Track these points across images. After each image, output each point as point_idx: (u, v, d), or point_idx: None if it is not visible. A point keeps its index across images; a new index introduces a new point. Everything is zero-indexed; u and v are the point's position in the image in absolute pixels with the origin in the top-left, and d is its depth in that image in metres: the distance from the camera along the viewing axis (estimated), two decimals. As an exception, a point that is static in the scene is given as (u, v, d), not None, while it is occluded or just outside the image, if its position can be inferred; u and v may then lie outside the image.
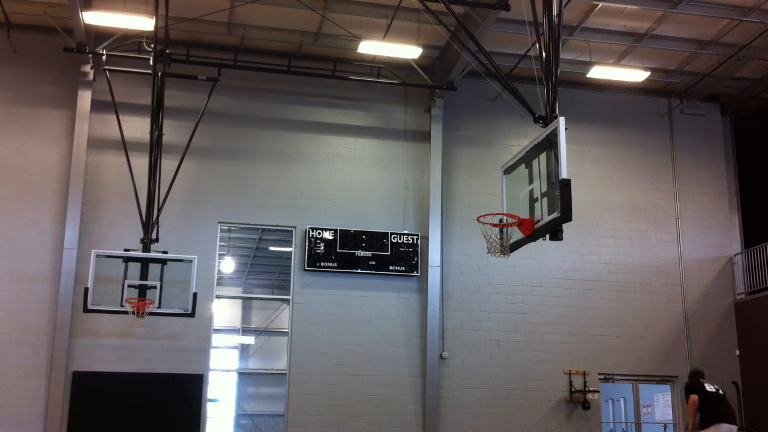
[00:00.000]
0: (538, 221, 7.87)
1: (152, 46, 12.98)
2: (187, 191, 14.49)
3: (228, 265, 23.19)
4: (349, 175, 15.38)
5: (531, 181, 8.21)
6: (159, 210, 13.18)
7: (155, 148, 13.07)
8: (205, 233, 14.52)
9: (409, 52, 14.17)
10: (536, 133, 8.26)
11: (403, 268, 14.95)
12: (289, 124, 15.37)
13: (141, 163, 13.64)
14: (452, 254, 15.33)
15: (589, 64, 15.21)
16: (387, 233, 15.01)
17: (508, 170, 8.86)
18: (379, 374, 14.62)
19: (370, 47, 14.07)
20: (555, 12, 8.55)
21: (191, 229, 14.47)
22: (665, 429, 16.81)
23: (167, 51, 13.17)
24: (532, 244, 8.27)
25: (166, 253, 12.91)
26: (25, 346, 13.46)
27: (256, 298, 25.96)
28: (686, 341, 15.97)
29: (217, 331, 16.38)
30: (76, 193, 13.90)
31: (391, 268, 14.91)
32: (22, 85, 14.46)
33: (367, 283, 14.90)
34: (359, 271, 14.81)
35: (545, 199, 7.80)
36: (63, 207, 13.96)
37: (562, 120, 7.58)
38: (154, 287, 12.48)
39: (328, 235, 14.78)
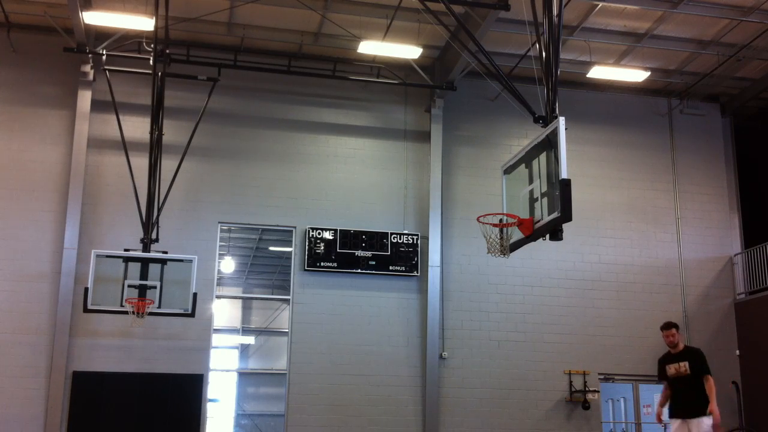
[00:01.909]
0: (538, 221, 7.87)
1: (152, 46, 12.98)
2: (187, 191, 14.49)
3: (228, 265, 23.19)
4: (349, 175, 15.38)
5: (531, 181, 8.22)
6: (159, 210, 13.18)
7: (155, 148, 13.07)
8: (205, 233, 14.52)
9: (409, 52, 14.17)
10: (536, 133, 8.26)
11: (403, 268, 14.94)
12: (289, 124, 15.37)
13: (141, 163, 13.64)
14: (452, 254, 15.33)
15: (589, 64, 15.22)
16: (387, 233, 15.01)
17: (508, 170, 8.86)
18: (379, 374, 14.62)
19: (370, 47, 14.07)
20: (555, 12, 8.55)
21: (191, 229, 14.47)
22: (665, 429, 16.81)
23: (167, 51, 13.18)
24: (532, 244, 8.27)
25: (166, 253, 12.91)
26: (25, 346, 13.46)
27: (256, 298, 25.95)
28: (686, 341, 15.94)
29: (217, 331, 16.39)
30: (76, 193, 13.90)
31: (391, 268, 14.91)
32: (22, 85, 14.46)
33: (367, 283, 14.90)
34: (359, 271, 14.81)
35: (545, 199, 7.81)
36: (63, 207, 13.96)
37: (562, 120, 7.59)
38: (154, 287, 12.47)
39: (328, 235, 14.78)
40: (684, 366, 9.14)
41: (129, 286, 12.37)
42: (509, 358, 15.17)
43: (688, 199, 16.73)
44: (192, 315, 12.71)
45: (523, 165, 8.47)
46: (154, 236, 13.04)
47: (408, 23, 14.13)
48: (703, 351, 9.46)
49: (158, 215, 13.17)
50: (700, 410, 8.89)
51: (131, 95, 14.57)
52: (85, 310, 12.34)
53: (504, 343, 15.22)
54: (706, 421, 8.85)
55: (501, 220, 8.44)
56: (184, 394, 13.88)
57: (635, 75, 15.39)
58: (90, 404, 13.52)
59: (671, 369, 9.27)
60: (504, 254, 8.29)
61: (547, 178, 7.83)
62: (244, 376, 24.99)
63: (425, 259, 15.01)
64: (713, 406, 8.82)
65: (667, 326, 9.42)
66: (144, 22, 12.93)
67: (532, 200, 8.07)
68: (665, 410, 9.55)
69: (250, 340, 25.50)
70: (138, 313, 12.20)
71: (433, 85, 15.35)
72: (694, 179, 16.88)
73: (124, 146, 13.56)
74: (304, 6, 13.25)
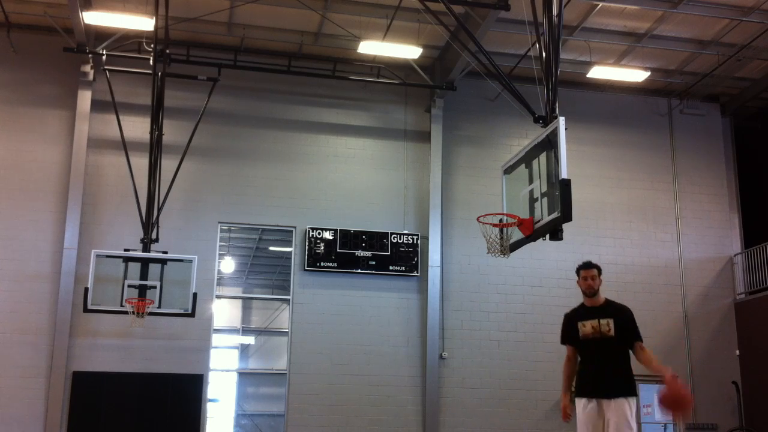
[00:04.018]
0: (538, 221, 7.89)
1: (152, 46, 12.99)
2: (187, 191, 14.49)
3: (228, 265, 23.17)
4: (349, 175, 15.37)
5: (531, 181, 8.23)
6: (159, 210, 13.19)
7: (155, 148, 13.08)
8: (205, 233, 14.52)
9: (409, 52, 14.17)
10: (536, 133, 8.27)
11: (403, 268, 14.94)
12: (289, 124, 15.37)
13: (141, 163, 13.64)
14: (452, 254, 15.33)
15: (589, 64, 15.21)
16: (387, 233, 15.01)
17: (508, 170, 8.88)
18: (379, 374, 14.62)
19: (370, 47, 14.07)
20: (555, 12, 8.57)
21: (191, 229, 14.47)
22: (665, 429, 16.80)
23: (167, 51, 13.17)
24: (532, 244, 8.29)
25: (166, 253, 12.92)
26: (25, 346, 13.46)
27: (256, 298, 25.93)
28: (686, 341, 15.96)
29: (217, 331, 16.39)
30: (76, 193, 13.90)
31: (391, 268, 14.91)
32: (22, 85, 14.46)
33: (367, 283, 14.90)
34: (359, 271, 14.81)
35: (545, 199, 7.82)
36: (63, 207, 13.96)
37: (562, 120, 7.60)
38: (154, 287, 12.49)
39: (328, 235, 14.78)
40: (608, 325, 6.66)
41: (129, 286, 12.39)
42: (509, 358, 15.16)
43: (688, 199, 16.72)
44: (192, 315, 12.72)
45: (523, 165, 8.48)
46: (154, 236, 13.04)
47: (408, 23, 14.12)
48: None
49: (158, 215, 13.17)
50: (623, 388, 6.56)
51: (131, 95, 14.57)
52: (85, 310, 12.35)
53: (504, 343, 15.21)
54: (631, 403, 6.48)
55: (501, 220, 8.45)
56: (184, 394, 13.88)
57: (635, 75, 15.38)
58: (90, 404, 13.51)
59: (587, 327, 6.79)
60: (504, 254, 8.30)
61: (547, 178, 7.85)
62: (244, 376, 24.97)
63: (425, 259, 15.01)
64: (660, 366, 6.46)
65: (588, 265, 6.68)
66: (144, 22, 12.92)
67: (532, 200, 8.09)
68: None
69: (250, 340, 25.47)
70: (138, 313, 12.21)
71: (433, 85, 15.34)
72: (694, 179, 16.87)
73: (124, 146, 13.56)
74: (304, 6, 13.25)
